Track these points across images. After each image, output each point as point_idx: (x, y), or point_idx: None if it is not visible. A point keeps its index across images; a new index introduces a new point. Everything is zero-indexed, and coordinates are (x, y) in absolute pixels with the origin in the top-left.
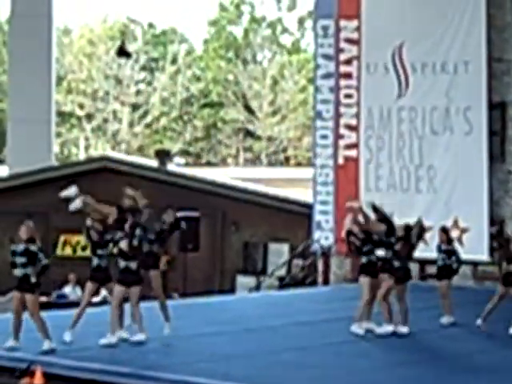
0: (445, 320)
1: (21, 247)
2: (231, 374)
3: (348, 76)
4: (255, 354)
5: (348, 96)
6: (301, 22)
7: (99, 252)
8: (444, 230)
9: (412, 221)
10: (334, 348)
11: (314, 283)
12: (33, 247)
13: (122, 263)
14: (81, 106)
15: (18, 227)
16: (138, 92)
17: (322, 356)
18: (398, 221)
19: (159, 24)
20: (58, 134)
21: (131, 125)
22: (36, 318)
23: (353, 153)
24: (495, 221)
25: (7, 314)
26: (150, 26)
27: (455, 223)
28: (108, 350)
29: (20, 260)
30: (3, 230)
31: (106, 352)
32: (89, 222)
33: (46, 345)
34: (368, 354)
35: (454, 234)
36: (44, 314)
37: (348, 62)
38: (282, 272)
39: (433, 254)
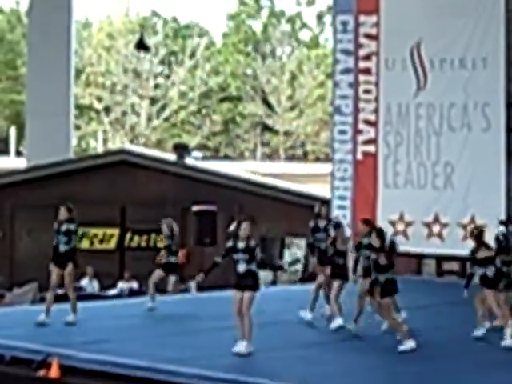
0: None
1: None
2: (249, 369)
3: (367, 71)
4: (272, 348)
5: (367, 91)
6: (320, 17)
7: None
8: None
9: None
10: (349, 343)
11: None
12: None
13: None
14: (99, 99)
15: (35, 219)
16: (157, 85)
17: (337, 351)
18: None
19: (178, 18)
20: (77, 127)
21: (149, 118)
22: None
23: (371, 148)
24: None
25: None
26: (174, 20)
27: (472, 220)
28: (125, 344)
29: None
30: (22, 222)
31: (123, 345)
32: None
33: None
34: (385, 349)
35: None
36: (62, 307)
37: (367, 57)
38: (299, 267)
39: (449, 250)
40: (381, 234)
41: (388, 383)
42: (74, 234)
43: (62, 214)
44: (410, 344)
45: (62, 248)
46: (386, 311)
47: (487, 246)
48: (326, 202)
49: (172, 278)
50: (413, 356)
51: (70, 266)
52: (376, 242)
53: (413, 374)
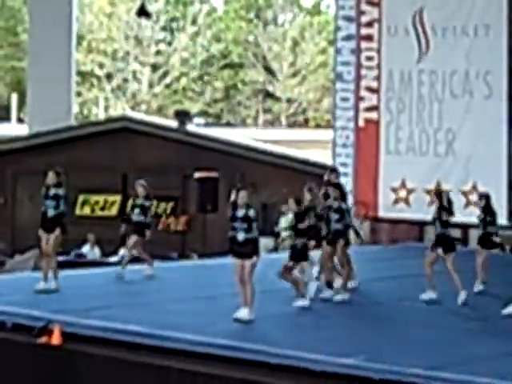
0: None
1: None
2: (251, 336)
3: (369, 38)
4: (274, 315)
5: (369, 58)
6: None
7: None
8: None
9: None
10: (346, 309)
11: None
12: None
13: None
14: (101, 66)
15: (36, 186)
16: (158, 52)
17: (335, 318)
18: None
19: None
20: (78, 94)
21: (151, 85)
22: None
23: (373, 115)
24: None
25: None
26: None
27: (474, 187)
28: (126, 310)
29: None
30: (23, 189)
31: (124, 311)
32: None
33: None
34: (380, 315)
35: (473, 197)
36: (62, 273)
37: (369, 24)
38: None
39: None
40: (298, 201)
41: (384, 348)
42: (62, 198)
43: (50, 178)
44: (301, 303)
45: (51, 213)
46: (285, 272)
47: (449, 210)
48: (334, 170)
49: (134, 238)
50: (413, 322)
51: (57, 231)
52: (294, 208)
53: (413, 340)
